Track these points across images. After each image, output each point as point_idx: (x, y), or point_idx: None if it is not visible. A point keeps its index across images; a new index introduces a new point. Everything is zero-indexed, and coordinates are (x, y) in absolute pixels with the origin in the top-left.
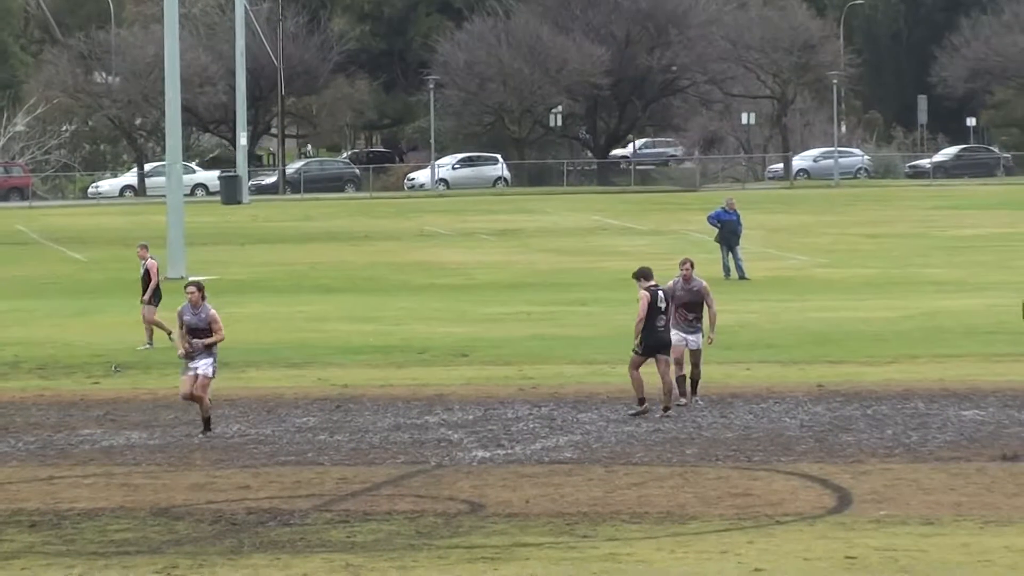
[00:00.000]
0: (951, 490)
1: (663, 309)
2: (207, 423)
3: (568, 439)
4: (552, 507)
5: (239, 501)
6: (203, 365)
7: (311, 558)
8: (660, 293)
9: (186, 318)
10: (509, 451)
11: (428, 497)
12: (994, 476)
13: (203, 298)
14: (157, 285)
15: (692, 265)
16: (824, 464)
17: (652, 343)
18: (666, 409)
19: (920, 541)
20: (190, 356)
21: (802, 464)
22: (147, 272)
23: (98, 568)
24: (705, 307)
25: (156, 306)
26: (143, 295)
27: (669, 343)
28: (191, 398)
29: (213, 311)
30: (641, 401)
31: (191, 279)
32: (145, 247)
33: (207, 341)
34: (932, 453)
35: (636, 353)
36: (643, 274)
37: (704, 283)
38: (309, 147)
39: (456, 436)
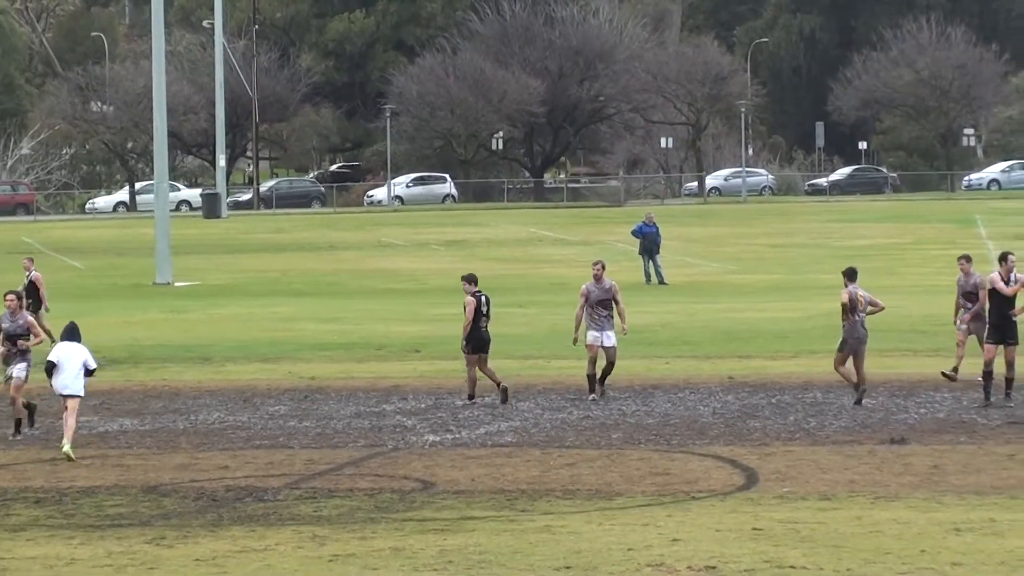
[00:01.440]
0: (846, 469)
1: (485, 312)
2: (17, 425)
3: (508, 425)
4: (495, 485)
5: (219, 480)
6: (17, 369)
7: (283, 530)
8: (483, 298)
9: (5, 325)
10: (457, 435)
11: (385, 476)
12: (883, 457)
13: (21, 307)
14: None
15: (603, 267)
16: (734, 447)
17: (477, 342)
18: (470, 398)
19: (818, 514)
20: (7, 360)
21: (714, 447)
22: (32, 283)
23: (95, 539)
24: (614, 303)
25: (38, 312)
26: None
27: (490, 341)
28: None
29: (30, 318)
30: (471, 397)
31: (10, 289)
32: (31, 260)
33: (29, 343)
34: (829, 437)
35: (466, 353)
36: (469, 279)
37: (614, 282)
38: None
39: (410, 422)
